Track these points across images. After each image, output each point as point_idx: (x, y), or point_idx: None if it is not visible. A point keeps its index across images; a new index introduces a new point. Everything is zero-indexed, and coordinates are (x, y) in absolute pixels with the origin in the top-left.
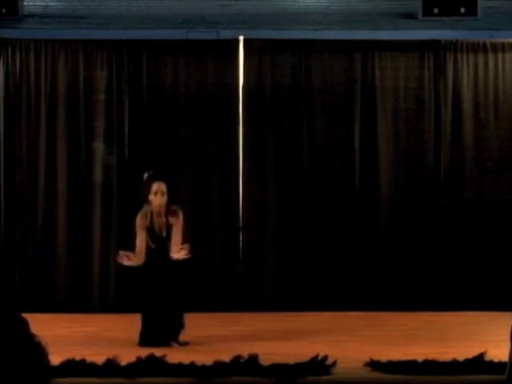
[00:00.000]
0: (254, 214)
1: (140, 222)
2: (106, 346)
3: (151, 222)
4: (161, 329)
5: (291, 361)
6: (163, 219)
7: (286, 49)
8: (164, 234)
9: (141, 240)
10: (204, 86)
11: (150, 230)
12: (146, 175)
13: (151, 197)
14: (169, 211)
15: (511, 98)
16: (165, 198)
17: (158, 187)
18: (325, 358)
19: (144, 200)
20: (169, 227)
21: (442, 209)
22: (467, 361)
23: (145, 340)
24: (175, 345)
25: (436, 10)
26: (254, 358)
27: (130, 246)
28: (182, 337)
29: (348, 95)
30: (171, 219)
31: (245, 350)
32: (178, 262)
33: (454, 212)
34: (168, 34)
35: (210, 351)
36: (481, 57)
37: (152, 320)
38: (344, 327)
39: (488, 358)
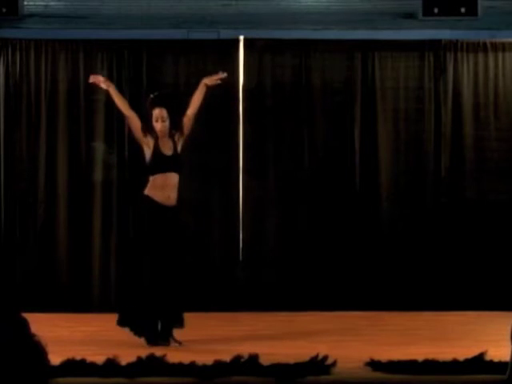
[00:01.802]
0: (254, 214)
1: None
2: (105, 346)
3: (157, 142)
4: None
5: (291, 361)
6: (168, 140)
7: (287, 49)
8: (169, 153)
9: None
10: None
11: (155, 150)
12: (147, 101)
13: (154, 123)
14: (174, 132)
15: (511, 98)
16: (166, 124)
17: (158, 113)
18: (325, 357)
19: (152, 126)
20: (174, 147)
21: (442, 209)
22: (467, 361)
23: (124, 319)
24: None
25: (436, 10)
26: (253, 358)
27: (130, 246)
28: (180, 335)
29: (348, 95)
30: (178, 133)
31: (245, 349)
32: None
33: (455, 212)
34: (168, 34)
35: (210, 351)
36: (481, 57)
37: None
38: (344, 327)
39: (488, 357)
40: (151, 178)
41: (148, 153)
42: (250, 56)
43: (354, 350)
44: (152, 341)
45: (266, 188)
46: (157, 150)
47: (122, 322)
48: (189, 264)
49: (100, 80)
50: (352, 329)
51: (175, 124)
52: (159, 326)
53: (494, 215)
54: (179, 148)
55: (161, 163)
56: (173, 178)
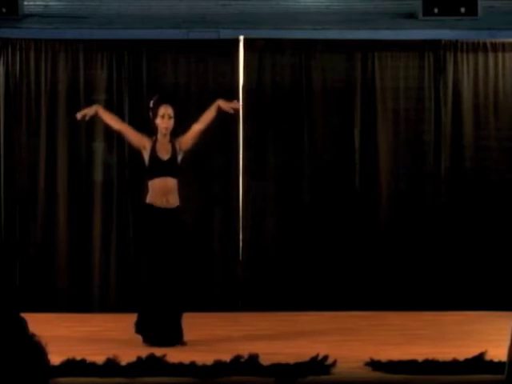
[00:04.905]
0: (254, 214)
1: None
2: (105, 346)
3: (154, 145)
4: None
5: (291, 361)
6: (168, 143)
7: (286, 48)
8: (165, 157)
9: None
10: (204, 86)
11: (152, 154)
12: (153, 100)
13: (158, 120)
14: (175, 138)
15: (511, 98)
16: (171, 122)
17: (164, 110)
18: (325, 357)
19: (153, 126)
20: (173, 152)
21: (442, 208)
22: (467, 361)
23: (140, 328)
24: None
25: (436, 10)
26: (253, 358)
27: (130, 246)
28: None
29: (348, 95)
30: (180, 141)
31: (245, 349)
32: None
33: (454, 212)
34: (168, 34)
35: (210, 351)
36: (481, 57)
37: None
38: (344, 327)
39: (488, 357)
40: (150, 183)
41: (146, 156)
42: (250, 56)
43: (354, 350)
44: (152, 342)
45: (265, 188)
46: (153, 154)
47: (140, 329)
48: (189, 264)
49: (85, 112)
50: (352, 329)
51: (176, 132)
52: (165, 328)
53: (494, 215)
54: (179, 158)
55: (157, 168)
56: (169, 182)
